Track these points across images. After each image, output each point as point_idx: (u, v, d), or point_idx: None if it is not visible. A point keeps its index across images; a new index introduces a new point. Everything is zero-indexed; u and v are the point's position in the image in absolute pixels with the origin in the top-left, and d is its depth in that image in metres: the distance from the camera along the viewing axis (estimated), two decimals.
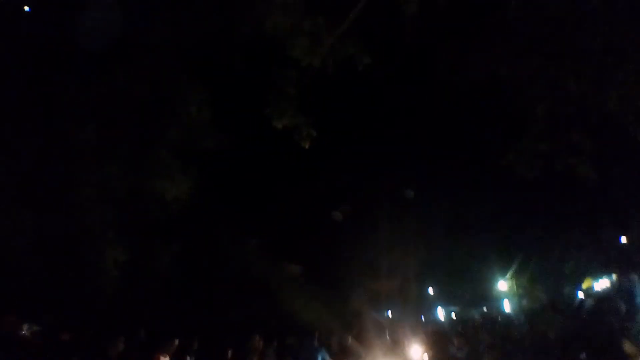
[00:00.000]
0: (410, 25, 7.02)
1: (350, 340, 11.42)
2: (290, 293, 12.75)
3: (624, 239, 14.06)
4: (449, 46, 7.33)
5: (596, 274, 12.06)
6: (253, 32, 7.54)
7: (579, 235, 12.50)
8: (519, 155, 7.04)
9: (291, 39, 6.72)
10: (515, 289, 14.82)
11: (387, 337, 11.39)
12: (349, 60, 7.09)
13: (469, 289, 18.47)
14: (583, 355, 5.95)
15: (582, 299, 11.17)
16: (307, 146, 7.55)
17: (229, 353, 7.29)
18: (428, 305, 21.77)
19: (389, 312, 20.41)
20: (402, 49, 7.73)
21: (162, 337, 7.02)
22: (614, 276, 12.39)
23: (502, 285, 15.54)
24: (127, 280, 9.76)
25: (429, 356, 7.84)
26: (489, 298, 16.67)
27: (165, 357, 6.58)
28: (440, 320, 18.38)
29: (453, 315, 19.24)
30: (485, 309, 16.18)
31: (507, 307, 14.27)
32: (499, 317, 12.43)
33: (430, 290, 22.53)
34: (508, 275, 15.31)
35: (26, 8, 8.56)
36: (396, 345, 10.07)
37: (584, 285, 11.85)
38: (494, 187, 13.23)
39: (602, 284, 12.07)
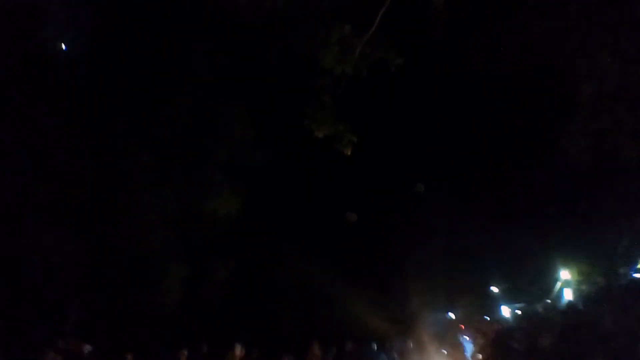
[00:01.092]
0: (440, 17, 6.99)
1: (410, 345, 11.30)
2: (347, 300, 12.77)
3: None
4: (483, 34, 7.22)
5: None
6: (286, 49, 7.77)
7: (632, 212, 11.74)
8: (571, 138, 6.82)
9: (322, 49, 6.85)
10: (577, 276, 14.07)
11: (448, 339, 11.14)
12: (381, 63, 7.14)
13: (532, 283, 17.70)
14: None
15: (637, 278, 10.52)
16: (349, 153, 7.61)
17: None
18: (492, 305, 21.07)
19: (450, 314, 19.93)
20: (434, 44, 7.68)
21: (222, 349, 7.26)
22: None
23: (564, 274, 14.81)
24: (189, 296, 10.18)
25: (489, 354, 7.63)
26: (553, 290, 15.91)
27: None
28: (505, 318, 17.73)
29: (518, 312, 18.50)
30: (548, 302, 15.46)
31: (568, 295, 13.58)
32: (558, 307, 11.90)
33: (494, 289, 21.80)
34: (569, 263, 14.58)
35: (63, 46, 9.20)
36: (455, 347, 9.84)
37: (639, 265, 11.09)
38: (543, 175, 12.73)
39: None
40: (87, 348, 6.78)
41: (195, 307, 10.27)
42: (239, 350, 6.99)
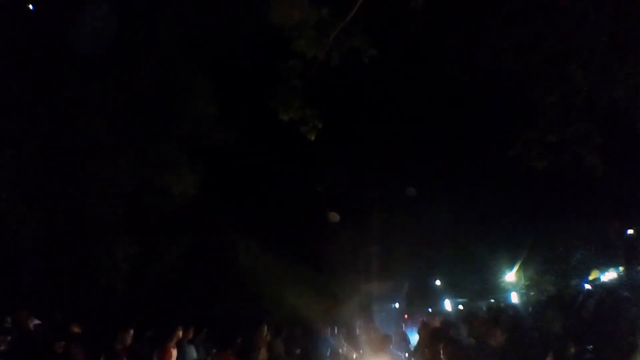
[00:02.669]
0: (416, 17, 7.00)
1: (357, 331, 11.53)
2: (298, 286, 12.85)
3: (630, 231, 14.03)
4: (455, 38, 7.30)
5: (603, 266, 12.02)
6: (258, 26, 7.57)
7: (586, 227, 12.42)
8: (527, 146, 7.02)
9: (296, 31, 6.72)
10: (523, 281, 14.82)
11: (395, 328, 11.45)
12: (354, 52, 7.09)
13: (476, 281, 18.49)
14: (589, 348, 5.96)
15: (589, 289, 11.15)
16: (313, 138, 7.57)
17: (238, 342, 7.35)
18: (435, 298, 21.85)
19: (396, 304, 20.51)
20: (408, 40, 7.70)
21: (171, 329, 7.10)
22: (621, 268, 12.35)
23: (510, 277, 15.55)
24: (137, 273, 9.88)
25: (435, 346, 7.87)
26: (497, 290, 16.68)
27: (174, 348, 6.65)
28: (447, 312, 18.42)
29: (460, 307, 19.27)
30: (492, 301, 16.19)
31: (514, 299, 14.28)
32: (506, 308, 12.44)
33: (438, 282, 22.59)
34: (515, 267, 15.30)
35: (30, 6, 8.61)
36: (399, 336, 10.11)
37: (591, 277, 11.81)
38: (502, 179, 13.20)
39: (608, 276, 12.04)
40: (34, 322, 6.48)
41: (144, 286, 9.99)
42: (181, 331, 6.88)
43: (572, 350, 5.35)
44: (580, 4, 5.76)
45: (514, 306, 12.91)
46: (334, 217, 13.86)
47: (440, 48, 7.38)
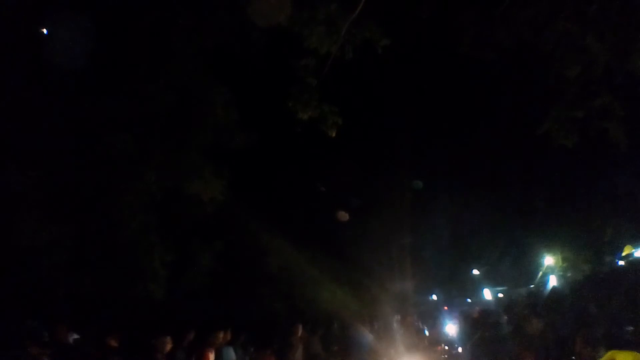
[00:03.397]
0: (427, 0, 6.90)
1: (395, 325, 11.46)
2: (332, 283, 12.85)
3: None
4: (469, 17, 7.15)
5: (636, 241, 11.53)
6: (269, 27, 7.61)
7: (616, 201, 11.96)
8: (555, 123, 6.82)
9: (307, 29, 6.73)
10: (560, 263, 14.37)
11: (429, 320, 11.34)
12: (368, 44, 7.04)
13: (514, 268, 18.06)
14: (629, 329, 5.73)
15: (622, 266, 10.76)
16: (333, 135, 7.58)
17: (275, 343, 7.43)
18: (474, 287, 21.45)
19: (434, 296, 20.24)
20: (420, 26, 7.59)
21: (209, 333, 7.22)
22: None
23: (548, 260, 15.11)
24: (174, 280, 10.10)
25: (475, 336, 7.75)
26: (536, 275, 16.24)
27: (211, 352, 6.77)
28: (487, 301, 18.08)
29: (500, 295, 18.87)
30: (532, 287, 15.79)
31: (553, 282, 13.87)
32: (545, 293, 12.12)
33: (476, 272, 22.17)
34: (553, 250, 14.86)
35: (44, 31, 8.91)
36: (435, 328, 10.01)
37: (624, 253, 11.35)
38: (530, 161, 12.86)
39: None
40: (73, 336, 6.69)
41: (181, 292, 10.21)
42: (222, 335, 6.98)
43: (602, 331, 5.16)
44: None
45: (553, 290, 12.55)
46: (343, 216, 13.79)
47: (454, 30, 7.24)
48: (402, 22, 7.35)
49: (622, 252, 11.40)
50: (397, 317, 12.53)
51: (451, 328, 11.59)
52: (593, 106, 6.16)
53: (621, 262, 11.23)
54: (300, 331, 8.64)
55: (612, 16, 5.55)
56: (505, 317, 9.20)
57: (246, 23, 8.05)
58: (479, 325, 8.65)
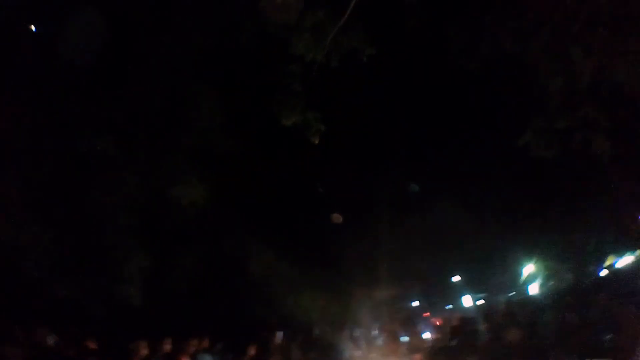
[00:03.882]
0: (413, 11, 6.96)
1: (376, 332, 11.47)
2: (313, 290, 12.80)
3: None
4: (454, 28, 7.24)
5: (619, 251, 11.78)
6: (255, 33, 7.59)
7: (600, 212, 12.20)
8: (536, 135, 6.91)
9: (294, 35, 6.74)
10: (542, 271, 14.59)
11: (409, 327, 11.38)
12: (353, 53, 7.08)
13: (495, 275, 18.24)
14: (608, 337, 5.82)
15: (604, 276, 10.98)
16: (316, 142, 7.60)
17: (253, 351, 7.36)
18: (455, 294, 21.60)
19: (415, 302, 20.31)
20: (406, 36, 7.66)
21: (185, 340, 7.13)
22: (637, 252, 12.10)
23: (529, 268, 15.31)
24: (152, 284, 9.95)
25: (453, 342, 7.81)
26: (517, 283, 16.44)
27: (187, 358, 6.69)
28: (466, 307, 18.21)
29: (480, 302, 19.03)
30: (512, 294, 15.97)
31: (534, 290, 14.07)
32: (525, 302, 12.27)
33: (456, 278, 22.33)
34: (534, 259, 15.07)
35: (32, 27, 8.76)
36: (415, 335, 10.05)
37: (607, 263, 11.60)
38: (513, 170, 13.00)
39: (625, 260, 11.80)
40: (51, 338, 6.56)
41: (160, 297, 10.05)
42: (197, 342, 6.92)
43: (582, 340, 5.24)
44: None
45: (532, 298, 12.72)
46: (337, 218, 13.79)
47: (439, 40, 7.32)
48: (388, 32, 7.41)
49: (604, 262, 11.64)
50: (378, 324, 12.54)
51: (430, 335, 11.65)
52: (576, 117, 6.25)
53: (603, 272, 11.46)
54: (279, 337, 8.59)
55: (599, 27, 5.65)
56: (484, 325, 9.27)
57: (232, 27, 8.03)
58: (458, 332, 8.71)
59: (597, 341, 5.55)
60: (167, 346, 7.23)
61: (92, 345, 6.61)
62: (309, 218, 13.72)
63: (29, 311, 8.29)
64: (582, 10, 5.52)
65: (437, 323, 12.21)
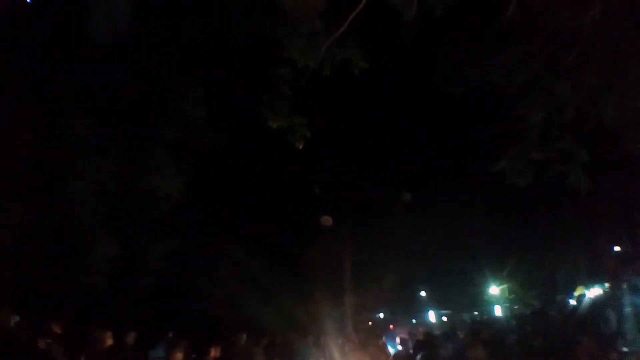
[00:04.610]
0: (407, 30, 7.03)
1: (342, 341, 11.46)
2: (281, 294, 12.74)
3: (617, 248, 14.15)
4: (445, 52, 7.34)
5: (589, 283, 12.10)
6: (251, 32, 7.54)
7: (573, 243, 12.52)
8: (512, 162, 7.05)
9: (289, 40, 6.71)
10: (507, 294, 14.88)
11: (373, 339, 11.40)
12: (345, 63, 7.09)
13: (461, 293, 18.55)
14: None
15: (574, 305, 11.23)
16: (300, 147, 7.56)
17: (216, 351, 7.27)
18: (420, 308, 21.89)
19: (381, 314, 20.49)
20: (399, 54, 7.74)
21: (151, 334, 7.00)
22: (607, 285, 12.46)
23: (494, 290, 15.59)
24: (118, 274, 9.74)
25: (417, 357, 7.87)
26: (481, 303, 16.73)
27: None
28: (431, 323, 18.42)
29: (444, 318, 19.29)
30: (476, 314, 16.24)
31: (498, 312, 14.32)
32: (489, 322, 12.46)
33: (423, 293, 22.63)
34: (500, 281, 15.36)
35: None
36: (379, 348, 10.08)
37: (576, 293, 11.89)
38: (488, 192, 13.26)
39: (593, 292, 12.13)
40: (14, 318, 6.34)
41: (125, 287, 9.84)
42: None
43: None
44: (570, 24, 5.81)
45: (497, 320, 12.92)
46: (327, 221, 13.79)
47: (430, 62, 7.41)
48: (382, 47, 7.46)
49: (574, 291, 11.89)
50: (344, 333, 12.55)
51: (395, 347, 11.71)
52: (555, 150, 6.41)
53: (572, 302, 11.69)
54: (243, 340, 8.49)
55: (589, 67, 5.80)
56: (447, 342, 9.38)
57: (228, 23, 7.96)
58: (422, 347, 8.79)
59: None
60: (131, 339, 7.08)
61: (56, 329, 6.42)
62: (284, 222, 13.70)
63: None
64: (576, 46, 5.65)
65: (402, 336, 12.27)
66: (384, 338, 12.93)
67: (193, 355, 7.84)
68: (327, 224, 13.92)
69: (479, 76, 6.79)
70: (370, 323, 17.21)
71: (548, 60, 5.98)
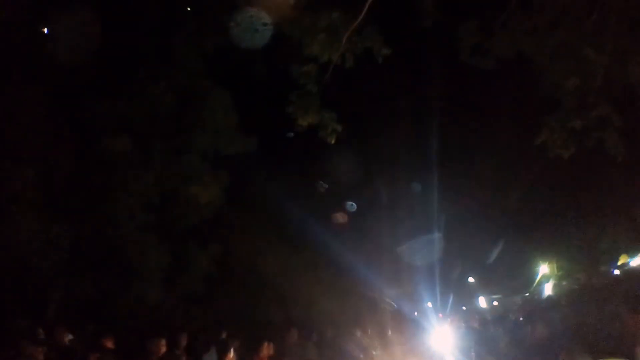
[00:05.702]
0: (428, 11, 6.97)
1: (389, 332, 11.46)
2: (328, 289, 12.85)
3: None
4: (470, 28, 7.22)
5: (632, 250, 11.56)
6: (270, 34, 7.67)
7: (613, 210, 12.01)
8: (552, 133, 6.87)
9: (308, 36, 6.77)
10: (556, 272, 14.42)
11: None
12: (368, 53, 7.10)
13: (510, 276, 18.10)
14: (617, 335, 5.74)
15: (617, 275, 10.80)
16: (333, 142, 7.59)
17: (268, 348, 7.41)
18: (469, 295, 21.50)
19: (429, 303, 20.25)
20: (421, 36, 7.68)
21: (204, 338, 7.22)
22: None
23: (544, 269, 15.16)
24: (169, 283, 10.10)
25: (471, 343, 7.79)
26: (531, 283, 16.28)
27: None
28: (481, 308, 18.10)
29: (495, 303, 18.89)
30: (527, 295, 15.83)
31: (548, 290, 13.91)
32: (540, 302, 12.14)
33: (471, 280, 22.21)
34: (548, 258, 14.92)
35: (45, 30, 8.92)
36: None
37: (620, 262, 11.40)
38: (526, 170, 12.91)
39: (638, 260, 11.59)
40: (68, 336, 6.66)
41: (176, 295, 10.19)
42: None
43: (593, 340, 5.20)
44: None
45: (548, 299, 12.56)
46: (341, 217, 13.79)
47: (454, 39, 7.31)
48: (403, 31, 7.41)
49: (617, 261, 11.45)
50: (392, 326, 12.52)
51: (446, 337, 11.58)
52: (591, 117, 6.22)
53: (616, 272, 11.27)
54: (295, 336, 8.63)
55: (611, 26, 5.62)
56: (500, 330, 9.19)
57: (248, 28, 8.12)
58: (475, 335, 8.68)
59: (606, 341, 5.47)
60: (184, 342, 7.29)
61: (109, 344, 6.66)
62: (325, 218, 13.78)
63: (46, 310, 8.48)
64: (594, 10, 5.48)
65: (452, 323, 12.13)
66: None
67: (246, 354, 8.03)
68: (342, 221, 13.88)
69: (509, 47, 6.64)
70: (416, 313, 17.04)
71: (572, 25, 5.81)
